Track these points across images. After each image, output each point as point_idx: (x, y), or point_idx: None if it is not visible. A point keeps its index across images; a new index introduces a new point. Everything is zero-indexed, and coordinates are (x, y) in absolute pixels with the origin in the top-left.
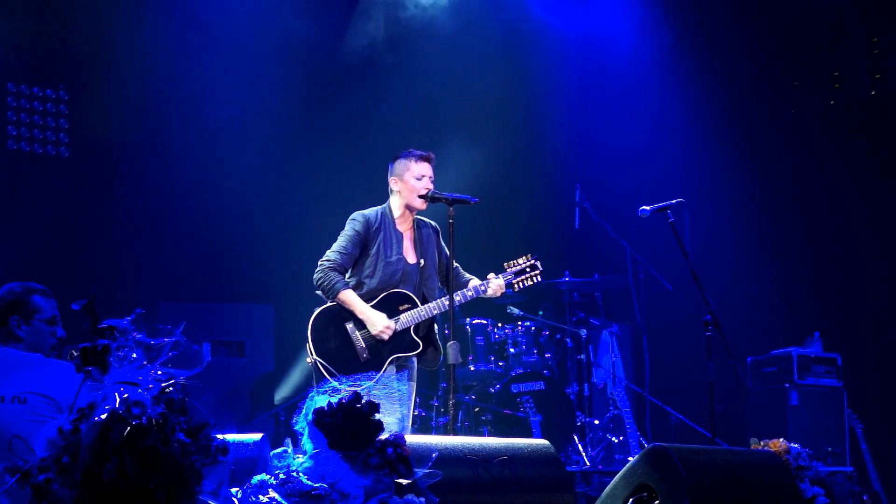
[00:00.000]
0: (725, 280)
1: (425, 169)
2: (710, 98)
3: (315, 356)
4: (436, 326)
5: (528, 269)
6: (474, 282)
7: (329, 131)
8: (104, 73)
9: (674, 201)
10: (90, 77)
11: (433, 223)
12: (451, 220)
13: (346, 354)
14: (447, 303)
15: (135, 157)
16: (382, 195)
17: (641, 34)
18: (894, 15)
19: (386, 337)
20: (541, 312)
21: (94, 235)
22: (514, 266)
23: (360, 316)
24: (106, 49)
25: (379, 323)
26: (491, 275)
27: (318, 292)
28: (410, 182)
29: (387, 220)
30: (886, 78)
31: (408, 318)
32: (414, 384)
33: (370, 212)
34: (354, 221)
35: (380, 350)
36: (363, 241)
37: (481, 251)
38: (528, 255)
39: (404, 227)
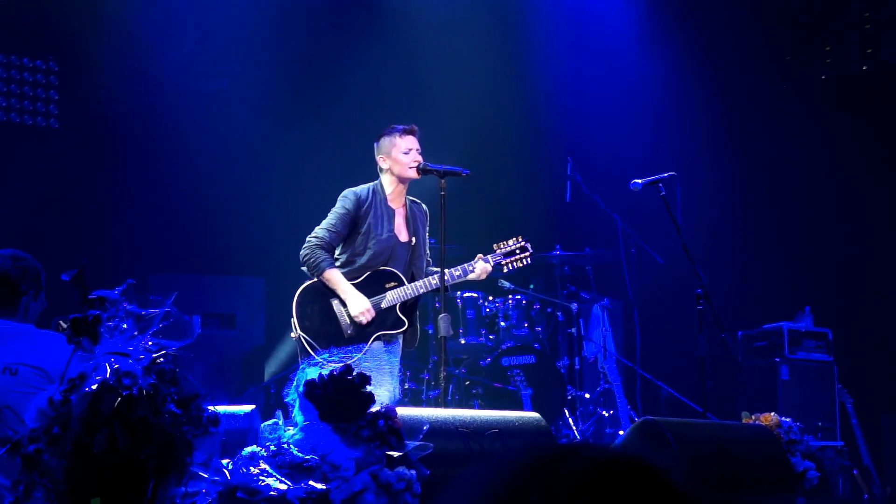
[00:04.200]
0: (717, 254)
1: (411, 142)
2: (701, 72)
3: (299, 331)
4: (417, 312)
5: (517, 251)
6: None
7: (320, 104)
8: (95, 45)
9: (665, 175)
10: (80, 48)
11: (425, 207)
12: (442, 193)
13: (330, 330)
14: (433, 282)
15: (125, 128)
16: (373, 168)
17: (633, 9)
18: None
19: (364, 321)
20: (531, 286)
21: (85, 207)
22: (504, 247)
23: (342, 296)
24: (96, 20)
25: (359, 306)
26: (479, 255)
27: (304, 269)
28: (399, 157)
29: (378, 197)
30: (878, 53)
31: (394, 296)
32: (397, 360)
33: (361, 189)
34: (345, 199)
35: (364, 327)
36: (353, 220)
37: (472, 224)
38: (519, 237)
39: (396, 204)
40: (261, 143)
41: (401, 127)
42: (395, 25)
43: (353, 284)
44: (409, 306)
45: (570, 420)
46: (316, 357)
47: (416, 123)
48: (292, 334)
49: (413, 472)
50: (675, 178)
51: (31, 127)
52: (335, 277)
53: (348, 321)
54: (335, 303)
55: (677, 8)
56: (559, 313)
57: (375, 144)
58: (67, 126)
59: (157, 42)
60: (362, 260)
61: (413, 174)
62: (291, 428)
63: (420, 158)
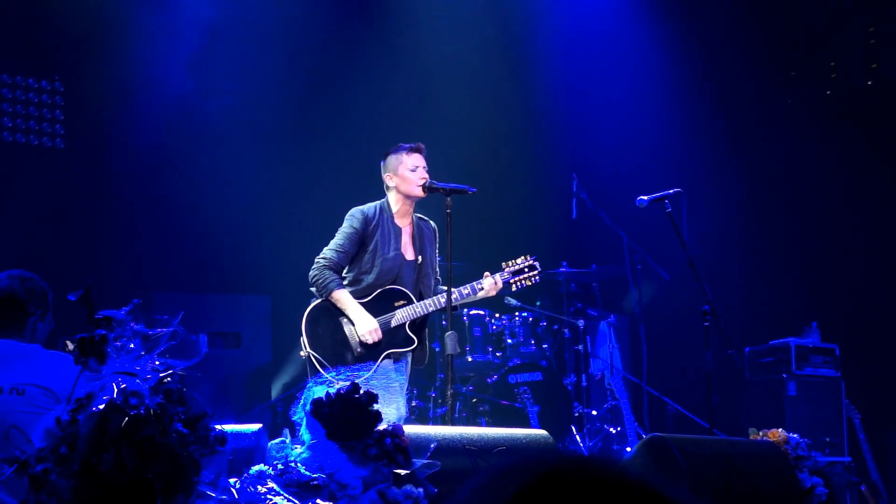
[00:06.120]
0: (723, 270)
1: (418, 160)
2: (706, 88)
3: (309, 350)
4: (427, 330)
5: (526, 270)
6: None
7: (324, 122)
8: (100, 65)
9: (671, 191)
10: (85, 68)
11: (433, 224)
12: (448, 211)
13: (339, 349)
14: (442, 300)
15: (130, 147)
16: (378, 184)
17: (637, 24)
18: (890, 4)
19: (371, 341)
20: (538, 303)
21: (90, 226)
22: (513, 266)
23: (350, 316)
24: (101, 40)
25: (366, 326)
26: (486, 273)
27: (313, 289)
28: (406, 175)
29: (385, 215)
30: (882, 67)
31: (403, 314)
32: (405, 378)
33: (368, 207)
34: (352, 218)
35: (374, 345)
36: (361, 239)
37: (479, 241)
38: (527, 256)
39: (403, 222)
40: (266, 161)
41: (407, 145)
42: (400, 43)
43: (362, 303)
44: (418, 324)
45: (578, 437)
46: (325, 375)
47: (422, 141)
48: (302, 353)
49: (420, 490)
50: (681, 195)
51: (36, 147)
52: (343, 298)
53: (358, 339)
54: (345, 321)
55: (682, 24)
56: (566, 330)
57: (382, 162)
58: (73, 146)
59: (161, 61)
60: (369, 279)
61: (419, 192)
62: (298, 446)
63: (426, 176)
